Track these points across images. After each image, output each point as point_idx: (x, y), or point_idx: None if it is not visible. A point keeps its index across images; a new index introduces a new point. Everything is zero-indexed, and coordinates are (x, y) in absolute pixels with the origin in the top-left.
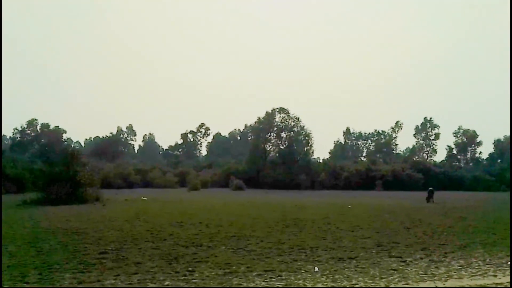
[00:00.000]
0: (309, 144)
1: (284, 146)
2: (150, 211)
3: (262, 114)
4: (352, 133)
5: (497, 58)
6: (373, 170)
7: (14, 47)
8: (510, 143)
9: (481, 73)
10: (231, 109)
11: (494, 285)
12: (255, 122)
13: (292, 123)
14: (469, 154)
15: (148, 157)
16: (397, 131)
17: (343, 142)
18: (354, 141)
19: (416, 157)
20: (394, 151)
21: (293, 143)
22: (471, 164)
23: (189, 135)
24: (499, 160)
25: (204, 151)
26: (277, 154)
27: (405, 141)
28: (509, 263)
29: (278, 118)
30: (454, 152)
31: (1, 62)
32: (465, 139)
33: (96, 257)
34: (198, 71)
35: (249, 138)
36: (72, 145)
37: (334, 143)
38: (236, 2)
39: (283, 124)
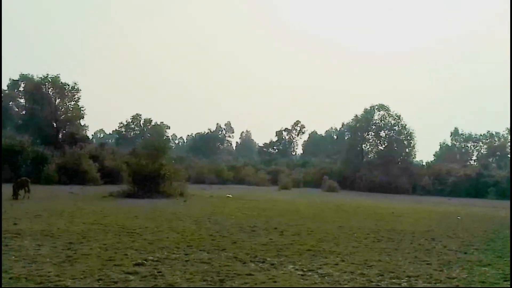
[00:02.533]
0: (411, 145)
1: (384, 146)
2: (227, 210)
3: (360, 112)
4: (461, 134)
5: None
6: (485, 175)
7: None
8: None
9: None
10: (329, 106)
11: None
12: (352, 120)
13: (393, 122)
14: None
15: (244, 154)
16: None
17: (449, 144)
18: (463, 143)
19: None
20: (509, 155)
21: (393, 143)
22: None
23: (284, 133)
24: None
25: (299, 150)
26: (376, 155)
27: None
28: None
29: (377, 116)
30: None
31: (1, 62)
32: None
33: (127, 270)
34: (293, 69)
35: (346, 137)
36: (177, 141)
37: (440, 145)
38: None
39: (383, 122)
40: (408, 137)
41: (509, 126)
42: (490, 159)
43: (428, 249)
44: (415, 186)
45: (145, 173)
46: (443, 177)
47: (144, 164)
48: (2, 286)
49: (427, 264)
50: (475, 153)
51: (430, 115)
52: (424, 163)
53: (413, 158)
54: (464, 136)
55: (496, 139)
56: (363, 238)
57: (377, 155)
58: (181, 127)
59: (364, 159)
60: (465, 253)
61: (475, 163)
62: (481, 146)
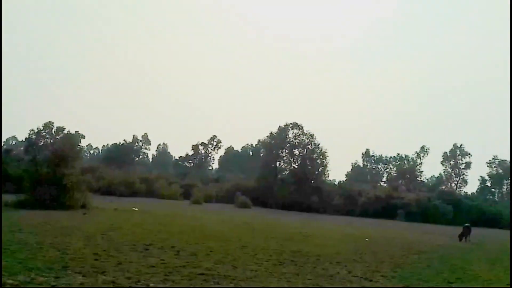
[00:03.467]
0: (324, 164)
1: (297, 164)
2: (127, 224)
3: (275, 130)
4: (372, 155)
5: None
6: (394, 197)
7: (36, 51)
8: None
9: None
10: (246, 123)
11: None
12: (267, 137)
13: (306, 140)
14: (504, 187)
15: (160, 166)
16: (423, 156)
17: (361, 165)
18: (374, 165)
19: (444, 187)
20: (418, 178)
21: (306, 162)
22: (506, 199)
23: (200, 147)
24: None
25: (216, 165)
26: (289, 173)
27: (431, 169)
28: None
29: (291, 134)
30: (488, 184)
31: (0, 63)
32: (500, 171)
33: None
34: (215, 83)
35: (261, 154)
36: (92, 151)
37: (352, 165)
38: (248, 15)
39: (297, 140)
40: (321, 156)
41: (418, 150)
42: (400, 181)
43: (332, 275)
44: (327, 205)
45: (44, 182)
46: (354, 197)
47: (44, 172)
48: (2, 286)
49: None
50: (385, 175)
51: (343, 135)
52: (336, 183)
53: (326, 177)
54: (375, 158)
55: (405, 162)
56: (265, 260)
57: (291, 173)
58: (99, 137)
59: (278, 176)
60: (371, 280)
61: (385, 184)
62: (391, 168)
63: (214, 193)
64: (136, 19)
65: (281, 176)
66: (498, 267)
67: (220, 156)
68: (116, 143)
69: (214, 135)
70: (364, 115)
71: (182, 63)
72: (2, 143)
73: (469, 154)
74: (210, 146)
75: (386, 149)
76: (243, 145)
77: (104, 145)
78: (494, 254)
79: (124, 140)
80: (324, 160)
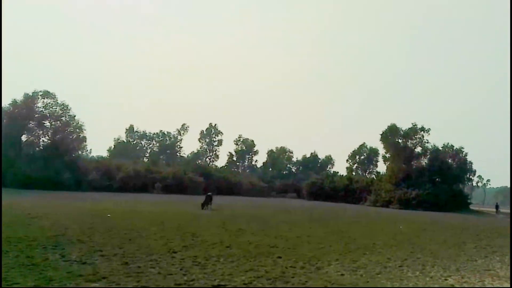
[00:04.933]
0: (80, 138)
1: (47, 137)
2: None
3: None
4: (136, 131)
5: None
6: (153, 172)
7: None
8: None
9: (255, 84)
10: None
11: None
12: (9, 104)
13: (60, 111)
14: (246, 161)
15: None
16: (183, 133)
17: (125, 141)
18: (138, 140)
19: (199, 161)
20: (178, 154)
21: (58, 135)
22: (248, 170)
23: None
24: (270, 169)
25: None
26: (38, 147)
27: (190, 145)
28: None
29: (41, 103)
30: (234, 158)
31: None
32: (244, 147)
33: None
34: None
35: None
36: None
37: (114, 141)
38: None
39: (48, 111)
40: (77, 130)
41: (179, 127)
42: (161, 157)
43: (36, 264)
44: (81, 182)
45: None
46: (112, 172)
47: None
48: (2, 286)
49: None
50: (149, 151)
51: (107, 109)
52: (97, 158)
53: (83, 152)
54: (138, 134)
55: (167, 138)
56: None
57: (39, 148)
58: None
59: (23, 151)
60: (84, 263)
61: (147, 160)
62: (154, 144)
63: None
64: None
65: (27, 151)
66: (225, 231)
67: None
68: None
69: None
70: (129, 91)
71: None
72: None
73: (221, 132)
74: None
75: (150, 125)
76: None
77: None
78: (225, 219)
79: None
80: (81, 134)
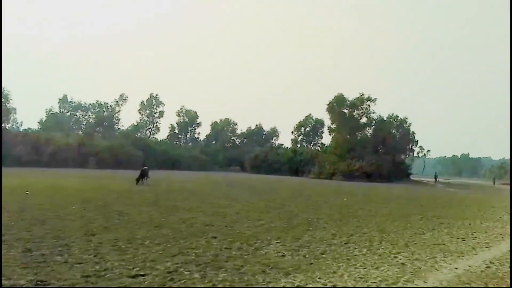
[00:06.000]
0: (7, 109)
1: None
2: None
3: None
4: (70, 102)
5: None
6: (87, 145)
7: None
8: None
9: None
10: None
11: None
12: None
13: None
14: (189, 134)
15: None
16: (122, 104)
17: (58, 112)
18: (72, 112)
19: (139, 134)
20: (116, 126)
21: None
22: (190, 143)
23: None
24: (214, 142)
25: None
26: None
27: (130, 116)
28: None
29: None
30: (176, 131)
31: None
32: (187, 119)
33: None
34: None
35: None
36: None
37: (46, 112)
38: None
39: None
40: (4, 99)
41: (117, 98)
42: (98, 129)
43: None
44: (6, 156)
45: None
46: (40, 146)
47: None
48: (2, 286)
49: None
50: (84, 123)
51: (37, 80)
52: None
53: (13, 125)
54: (73, 104)
55: (104, 109)
56: None
57: None
58: None
59: None
60: None
61: (82, 132)
62: (90, 115)
63: None
64: None
65: None
66: (159, 208)
67: None
68: None
69: None
70: (63, 57)
71: None
72: None
73: (163, 103)
74: None
75: (85, 95)
76: None
77: None
78: (159, 195)
79: None
80: (7, 104)
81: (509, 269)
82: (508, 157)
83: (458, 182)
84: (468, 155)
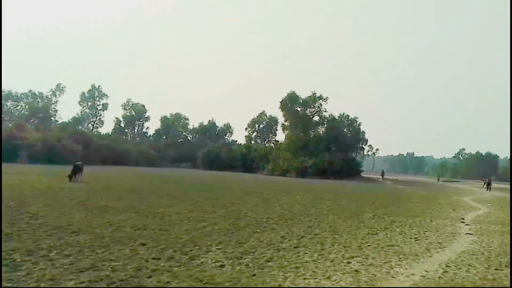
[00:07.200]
0: None
1: None
2: None
3: None
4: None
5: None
6: (17, 137)
7: None
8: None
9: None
10: None
11: None
12: None
13: None
14: (136, 128)
15: None
16: (59, 95)
17: None
18: (3, 102)
19: (80, 127)
20: (52, 118)
21: None
22: (138, 138)
23: None
24: (164, 137)
25: None
26: None
27: (72, 109)
28: None
29: None
30: (122, 125)
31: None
32: (133, 113)
33: None
34: None
35: None
36: None
37: None
38: None
39: None
40: None
41: (54, 88)
42: (32, 121)
43: None
44: None
45: None
46: None
47: None
48: (2, 286)
49: None
50: (17, 113)
51: None
52: None
53: None
54: (3, 93)
55: (39, 100)
56: None
57: None
58: None
59: None
60: None
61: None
62: (22, 106)
63: None
64: None
65: None
66: (80, 209)
67: None
68: None
69: None
70: None
71: None
72: None
73: (107, 95)
74: None
75: (16, 85)
76: None
77: None
78: (91, 194)
79: None
80: None
81: (466, 274)
82: (449, 156)
83: (405, 179)
84: (413, 154)
